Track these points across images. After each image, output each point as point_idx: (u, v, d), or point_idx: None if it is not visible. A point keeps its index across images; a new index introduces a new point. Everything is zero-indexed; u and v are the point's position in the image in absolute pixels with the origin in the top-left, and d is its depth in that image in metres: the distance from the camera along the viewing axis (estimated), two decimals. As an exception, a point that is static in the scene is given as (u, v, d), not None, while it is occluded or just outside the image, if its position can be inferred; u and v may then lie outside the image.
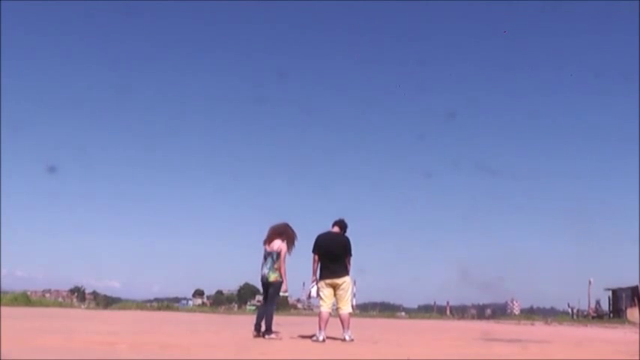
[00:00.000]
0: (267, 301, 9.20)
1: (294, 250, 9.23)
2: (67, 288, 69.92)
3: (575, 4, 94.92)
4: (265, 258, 9.17)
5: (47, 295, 53.72)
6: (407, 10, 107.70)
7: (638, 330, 17.83)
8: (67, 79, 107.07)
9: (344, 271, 8.54)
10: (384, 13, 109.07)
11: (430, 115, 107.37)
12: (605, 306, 37.96)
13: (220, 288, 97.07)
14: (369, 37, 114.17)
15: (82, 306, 31.15)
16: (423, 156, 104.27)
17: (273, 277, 9.06)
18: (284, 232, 9.27)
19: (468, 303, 55.04)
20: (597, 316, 34.97)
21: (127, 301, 34.79)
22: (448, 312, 44.13)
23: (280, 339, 8.63)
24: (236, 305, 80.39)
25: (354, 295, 31.59)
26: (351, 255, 8.63)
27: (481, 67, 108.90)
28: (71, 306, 29.53)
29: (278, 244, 9.14)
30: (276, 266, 9.08)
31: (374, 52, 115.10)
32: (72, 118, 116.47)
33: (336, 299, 8.55)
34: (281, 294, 9.34)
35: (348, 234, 8.82)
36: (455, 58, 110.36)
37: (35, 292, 44.71)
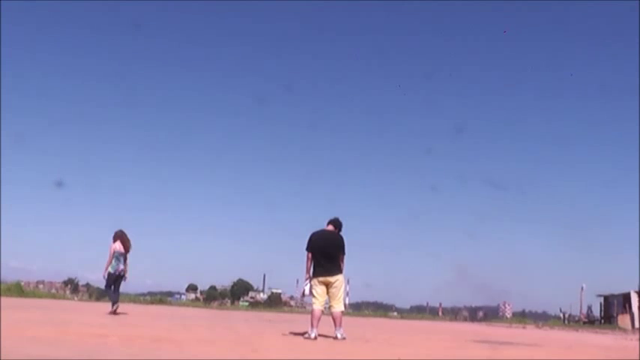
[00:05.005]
0: (117, 288, 12.91)
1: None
2: (61, 280, 69.76)
3: (582, 20, 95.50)
4: (119, 257, 12.74)
5: (41, 286, 53.56)
6: (415, 24, 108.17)
7: (628, 336, 17.89)
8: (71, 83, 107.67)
9: (337, 270, 8.54)
10: (391, 27, 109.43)
11: (438, 129, 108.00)
12: (596, 312, 38.12)
13: (214, 283, 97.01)
14: (377, 50, 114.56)
15: (75, 298, 31.02)
16: (430, 169, 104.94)
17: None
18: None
19: (461, 305, 55.18)
20: (588, 322, 35.10)
21: (120, 294, 34.70)
22: (440, 313, 44.21)
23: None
24: (229, 301, 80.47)
25: (347, 294, 31.65)
26: (344, 254, 8.64)
27: (489, 83, 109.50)
28: (64, 297, 29.42)
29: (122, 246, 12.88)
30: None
31: (381, 66, 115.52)
32: (70, 117, 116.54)
33: (329, 297, 8.55)
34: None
35: (342, 233, 8.84)
36: (462, 73, 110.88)
37: (29, 282, 44.56)
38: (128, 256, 13.03)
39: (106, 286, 13.12)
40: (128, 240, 13.02)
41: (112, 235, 13.04)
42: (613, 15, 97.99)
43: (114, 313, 12.36)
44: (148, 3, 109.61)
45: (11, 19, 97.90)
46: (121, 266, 12.81)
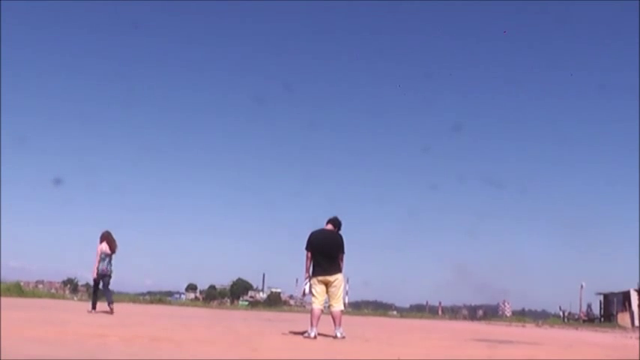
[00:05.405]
0: (106, 287, 13.18)
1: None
2: (60, 279, 69.74)
3: (580, 19, 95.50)
4: (105, 258, 13.02)
5: (40, 286, 53.45)
6: (413, 23, 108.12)
7: (628, 334, 17.89)
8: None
9: (337, 269, 8.54)
10: (390, 26, 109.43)
11: (436, 127, 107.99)
12: (596, 310, 38.12)
13: (213, 283, 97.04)
14: (376, 50, 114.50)
15: (75, 298, 30.96)
16: (430, 168, 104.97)
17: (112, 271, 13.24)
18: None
19: (460, 304, 55.20)
20: (588, 320, 35.10)
21: (119, 293, 34.67)
22: (440, 312, 44.21)
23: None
24: (229, 300, 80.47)
25: (347, 293, 31.63)
26: (344, 253, 8.64)
27: (487, 81, 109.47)
28: (64, 297, 29.38)
29: (109, 247, 13.13)
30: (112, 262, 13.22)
31: (380, 65, 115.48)
32: (71, 117, 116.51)
33: (329, 296, 8.55)
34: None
35: (340, 231, 8.84)
36: (461, 71, 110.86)
37: (28, 282, 44.48)
38: (114, 256, 13.34)
39: (94, 287, 13.59)
40: (114, 241, 13.30)
41: (110, 236, 13.36)
42: (613, 15, 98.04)
43: (110, 311, 12.58)
44: (148, 3, 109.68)
45: (11, 20, 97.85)
46: (107, 266, 13.14)
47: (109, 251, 13.16)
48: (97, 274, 13.05)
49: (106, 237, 13.25)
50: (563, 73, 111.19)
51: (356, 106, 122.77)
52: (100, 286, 13.26)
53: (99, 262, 13.03)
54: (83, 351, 5.38)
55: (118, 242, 13.40)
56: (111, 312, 12.55)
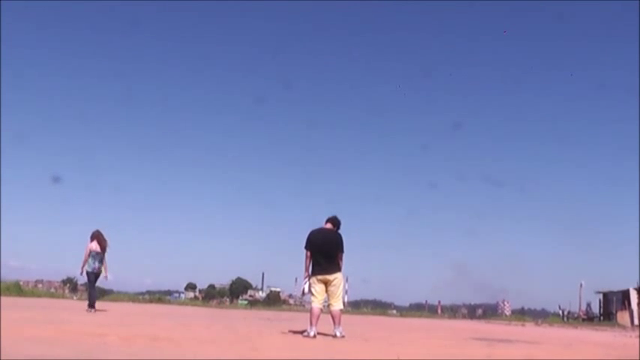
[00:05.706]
0: (93, 286, 13.50)
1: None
2: (60, 279, 69.70)
3: (580, 19, 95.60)
4: (96, 256, 13.23)
5: (40, 285, 53.48)
6: (413, 22, 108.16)
7: (627, 333, 17.89)
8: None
9: (336, 268, 8.54)
10: (389, 25, 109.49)
11: (436, 126, 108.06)
12: (595, 309, 38.11)
13: (212, 282, 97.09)
14: (375, 49, 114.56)
15: (74, 297, 30.94)
16: (429, 167, 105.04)
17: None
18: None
19: (460, 302, 55.24)
20: (588, 319, 35.08)
21: (119, 293, 34.72)
22: (439, 311, 44.19)
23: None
24: (228, 299, 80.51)
25: (346, 292, 31.62)
26: (343, 252, 8.63)
27: (487, 79, 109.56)
28: (63, 297, 29.36)
29: (99, 246, 13.32)
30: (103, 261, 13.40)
31: (379, 64, 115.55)
32: (71, 116, 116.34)
33: (328, 295, 8.55)
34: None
35: (340, 230, 8.83)
36: (460, 70, 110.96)
37: (28, 282, 44.51)
38: (106, 255, 13.59)
39: (89, 285, 13.88)
40: (104, 240, 13.57)
41: (100, 235, 13.63)
42: (613, 15, 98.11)
43: (92, 310, 12.88)
44: (148, 3, 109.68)
45: (11, 19, 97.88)
46: (97, 265, 13.36)
47: (99, 249, 13.37)
48: (88, 272, 13.26)
49: (97, 236, 13.49)
50: (563, 73, 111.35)
51: (355, 105, 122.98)
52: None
53: (85, 261, 13.26)
54: (83, 350, 5.38)
55: (109, 241, 13.67)
56: (92, 310, 12.85)
